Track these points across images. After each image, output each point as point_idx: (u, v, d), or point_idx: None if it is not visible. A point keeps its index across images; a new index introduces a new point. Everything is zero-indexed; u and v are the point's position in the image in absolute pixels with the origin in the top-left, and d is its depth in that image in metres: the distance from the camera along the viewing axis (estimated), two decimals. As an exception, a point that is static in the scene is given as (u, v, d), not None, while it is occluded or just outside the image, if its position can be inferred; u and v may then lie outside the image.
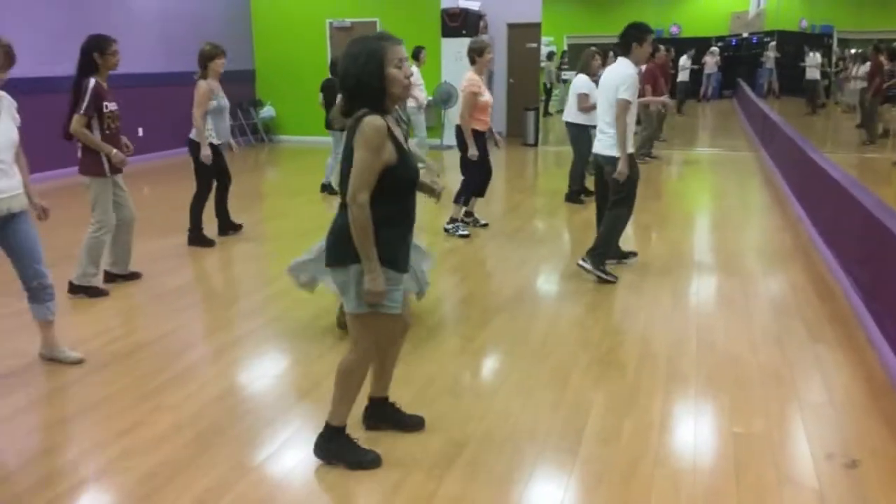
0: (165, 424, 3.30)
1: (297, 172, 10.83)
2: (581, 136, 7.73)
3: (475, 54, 6.42)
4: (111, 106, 4.96)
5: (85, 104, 4.80)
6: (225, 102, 6.31)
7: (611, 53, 10.02)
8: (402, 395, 3.51)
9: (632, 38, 5.13)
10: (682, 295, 5.04)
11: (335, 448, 2.94)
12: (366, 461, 2.92)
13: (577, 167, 8.05)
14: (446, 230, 6.77)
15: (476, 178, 6.75)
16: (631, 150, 5.17)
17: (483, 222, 7.11)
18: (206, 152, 6.11)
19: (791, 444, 3.11)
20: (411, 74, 2.72)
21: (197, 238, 6.41)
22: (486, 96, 6.50)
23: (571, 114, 7.79)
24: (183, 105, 11.96)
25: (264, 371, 3.95)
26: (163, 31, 11.72)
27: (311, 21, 13.40)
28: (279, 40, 13.64)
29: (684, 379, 3.73)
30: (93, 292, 5.07)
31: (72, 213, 6.66)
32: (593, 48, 8.15)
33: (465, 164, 6.66)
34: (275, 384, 3.77)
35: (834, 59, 18.83)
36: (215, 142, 6.26)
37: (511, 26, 13.46)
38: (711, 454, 3.05)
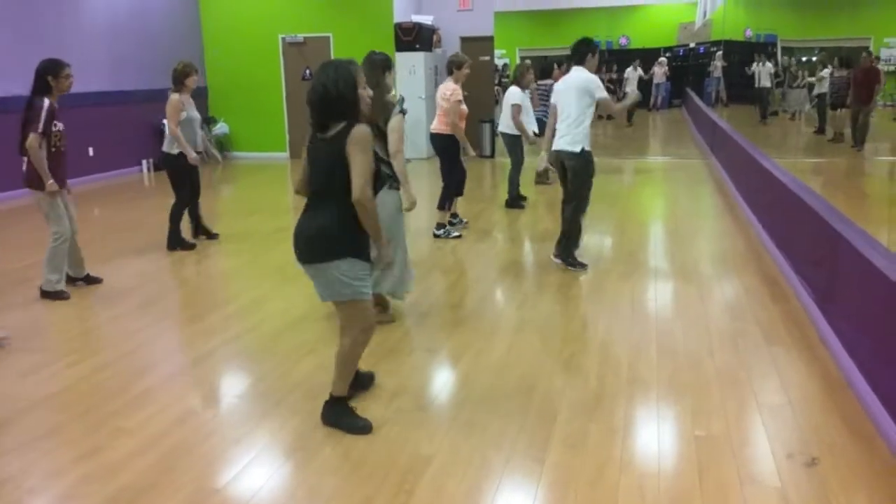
0: (126, 448, 3.23)
1: (255, 187, 10.74)
2: (515, 144, 8.27)
3: (454, 66, 6.92)
4: (59, 126, 5.24)
5: (42, 123, 5.05)
6: (195, 114, 6.70)
7: (555, 65, 10.27)
8: (368, 409, 3.49)
9: (587, 50, 5.69)
10: (640, 301, 5.11)
11: (335, 414, 3.36)
12: (358, 426, 3.31)
13: (513, 174, 8.45)
14: (436, 235, 7.04)
15: (454, 182, 7.10)
16: (588, 147, 5.64)
17: (464, 221, 7.50)
18: (191, 155, 6.47)
19: (752, 444, 3.18)
20: (371, 94, 3.16)
21: (176, 241, 6.75)
22: (463, 105, 6.97)
23: (505, 124, 8.30)
24: (132, 124, 11.94)
25: (228, 390, 3.90)
26: (111, 49, 11.52)
27: (262, 36, 13.29)
28: (231, 56, 13.48)
29: (645, 383, 3.78)
30: (55, 296, 5.32)
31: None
32: (527, 61, 8.59)
33: (445, 169, 7.05)
34: (239, 403, 3.72)
35: (779, 67, 19.32)
36: (177, 150, 6.55)
37: (464, 40, 13.55)
38: (675, 457, 3.09)
